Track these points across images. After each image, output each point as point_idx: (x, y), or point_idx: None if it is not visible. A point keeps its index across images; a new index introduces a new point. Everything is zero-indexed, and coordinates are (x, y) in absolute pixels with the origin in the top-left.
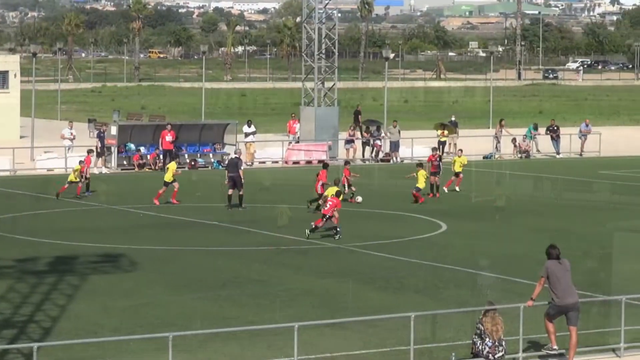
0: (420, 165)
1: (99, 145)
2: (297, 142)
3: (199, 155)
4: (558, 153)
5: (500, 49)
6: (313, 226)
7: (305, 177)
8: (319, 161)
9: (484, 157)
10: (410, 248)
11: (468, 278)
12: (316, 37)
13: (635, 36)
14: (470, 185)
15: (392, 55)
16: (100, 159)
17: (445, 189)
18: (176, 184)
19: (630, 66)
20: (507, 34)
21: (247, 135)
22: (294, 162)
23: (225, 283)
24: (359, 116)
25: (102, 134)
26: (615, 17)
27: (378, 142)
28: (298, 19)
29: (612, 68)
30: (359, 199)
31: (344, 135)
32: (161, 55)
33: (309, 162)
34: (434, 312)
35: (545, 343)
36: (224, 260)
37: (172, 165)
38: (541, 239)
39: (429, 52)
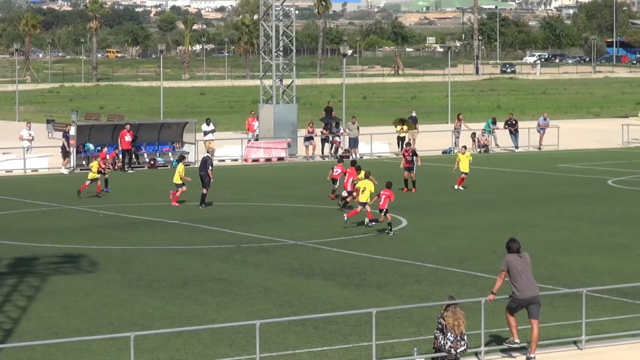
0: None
1: (65, 145)
2: (256, 139)
3: (158, 154)
4: (517, 147)
5: (457, 44)
6: (368, 221)
7: (264, 174)
8: (279, 158)
9: (443, 152)
10: (371, 244)
11: (429, 273)
12: (274, 34)
13: (592, 29)
14: (430, 180)
15: (349, 52)
16: (66, 159)
17: (458, 187)
18: (184, 187)
19: (587, 59)
20: (464, 28)
21: (206, 133)
22: (254, 160)
23: (187, 282)
24: (332, 112)
25: (67, 134)
26: (571, 11)
27: (337, 138)
28: (255, 17)
29: (569, 62)
30: (345, 193)
31: (303, 132)
32: (119, 55)
33: (268, 159)
34: (395, 308)
35: (507, 337)
36: (184, 259)
37: (180, 167)
38: (501, 233)
39: (386, 48)
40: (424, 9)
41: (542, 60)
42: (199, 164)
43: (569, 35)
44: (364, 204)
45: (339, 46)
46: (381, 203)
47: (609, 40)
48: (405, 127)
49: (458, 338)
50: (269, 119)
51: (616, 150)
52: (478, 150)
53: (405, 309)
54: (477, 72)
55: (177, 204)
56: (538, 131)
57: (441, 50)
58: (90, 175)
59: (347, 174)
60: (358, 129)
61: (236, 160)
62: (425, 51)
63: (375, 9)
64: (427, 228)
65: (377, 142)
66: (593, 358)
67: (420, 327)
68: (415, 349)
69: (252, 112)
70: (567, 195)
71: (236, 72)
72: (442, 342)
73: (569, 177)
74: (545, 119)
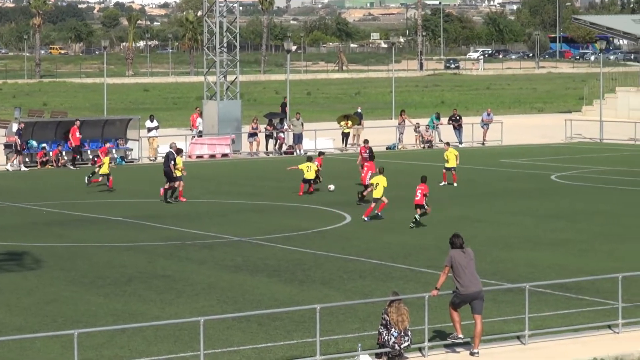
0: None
1: (18, 142)
2: (200, 136)
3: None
4: (460, 142)
5: (401, 39)
6: (417, 217)
7: (208, 171)
8: (223, 155)
9: (387, 148)
10: (316, 240)
11: (373, 269)
12: (217, 30)
13: (535, 25)
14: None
15: (294, 48)
16: (16, 155)
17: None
18: (181, 182)
19: (531, 55)
20: (408, 24)
21: (149, 130)
22: (198, 157)
23: (130, 279)
24: (286, 108)
25: (20, 131)
26: (515, 7)
27: (281, 134)
28: (199, 13)
29: (513, 57)
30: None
31: (247, 129)
32: (62, 51)
33: (212, 156)
34: (339, 304)
35: (451, 332)
36: (128, 256)
37: (178, 160)
38: (445, 229)
39: (330, 44)
40: (368, 5)
41: (486, 55)
42: (163, 160)
43: (512, 31)
44: (377, 200)
45: (283, 42)
46: (418, 198)
47: (552, 35)
48: (349, 123)
49: (402, 334)
50: (213, 116)
51: (559, 145)
52: (422, 145)
53: (349, 305)
54: (421, 68)
55: (183, 199)
56: (482, 127)
57: (385, 46)
58: (102, 171)
59: (365, 168)
60: (302, 125)
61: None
62: (370, 47)
63: (320, 5)
64: (370, 224)
65: (321, 138)
66: (536, 353)
67: (364, 323)
68: (360, 344)
69: (197, 109)
70: (510, 190)
71: (180, 68)
72: (386, 337)
73: (512, 173)
74: (488, 115)
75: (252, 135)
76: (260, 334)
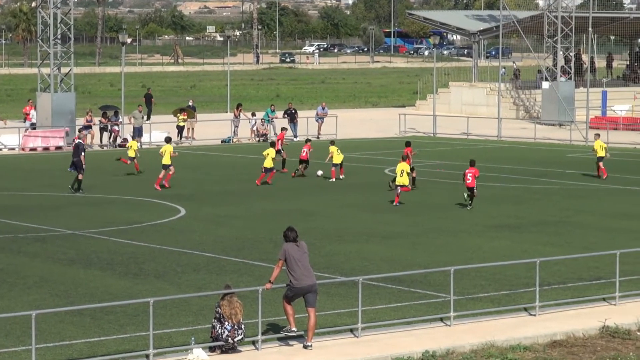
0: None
1: None
2: (34, 128)
3: None
4: (295, 136)
5: (237, 33)
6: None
7: (41, 164)
8: (57, 147)
9: (222, 142)
10: (150, 233)
11: (207, 262)
12: (51, 22)
13: (370, 20)
14: (209, 170)
15: (129, 40)
16: None
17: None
18: (172, 168)
19: (366, 49)
20: (244, 18)
21: None
22: (31, 149)
23: None
24: (152, 99)
25: None
26: (350, 1)
27: (116, 127)
28: (33, 4)
29: (348, 51)
30: (319, 172)
31: (81, 121)
32: None
33: (46, 148)
34: (173, 297)
35: (284, 325)
36: None
37: (169, 148)
38: (279, 222)
39: (166, 36)
40: None
41: (321, 50)
42: (73, 150)
43: (347, 26)
44: (401, 186)
45: (118, 34)
46: (469, 181)
47: (387, 30)
48: (186, 115)
49: (235, 327)
50: (46, 108)
51: (393, 139)
52: (257, 139)
53: (183, 298)
54: (257, 62)
55: (167, 186)
56: (317, 120)
57: (221, 39)
58: (130, 153)
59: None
60: (142, 117)
61: (13, 149)
62: (205, 40)
63: None
64: (205, 217)
65: (156, 132)
66: (369, 345)
67: (197, 317)
68: (193, 338)
69: (30, 101)
70: (344, 183)
71: (14, 59)
72: (219, 331)
73: (346, 166)
74: (323, 109)
75: (86, 127)
76: (93, 327)
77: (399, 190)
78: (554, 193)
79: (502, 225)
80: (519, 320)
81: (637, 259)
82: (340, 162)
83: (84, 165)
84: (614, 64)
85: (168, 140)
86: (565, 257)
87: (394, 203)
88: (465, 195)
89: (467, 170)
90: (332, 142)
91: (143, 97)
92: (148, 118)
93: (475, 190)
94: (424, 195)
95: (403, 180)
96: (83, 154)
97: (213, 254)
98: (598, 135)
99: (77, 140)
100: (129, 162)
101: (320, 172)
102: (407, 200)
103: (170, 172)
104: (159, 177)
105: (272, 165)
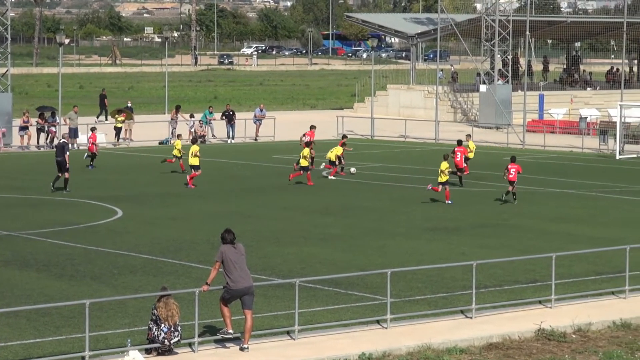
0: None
1: None
2: None
3: None
4: (233, 138)
5: (175, 34)
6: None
7: None
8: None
9: (159, 143)
10: (86, 235)
11: (144, 264)
12: None
13: (309, 22)
14: (146, 171)
15: (66, 41)
16: None
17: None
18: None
19: (304, 51)
20: (182, 19)
21: None
22: None
23: None
24: (105, 100)
25: None
26: (289, 3)
27: (53, 128)
28: None
29: (286, 53)
30: (353, 170)
31: (18, 122)
32: None
33: None
34: (109, 299)
35: (221, 327)
36: None
37: (195, 148)
38: (217, 224)
39: (104, 37)
40: None
41: (259, 51)
42: (56, 149)
43: (286, 28)
44: (444, 184)
45: (56, 35)
46: (512, 176)
47: (326, 32)
48: (124, 116)
49: (172, 329)
50: None
51: (331, 141)
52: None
53: (119, 300)
54: (195, 63)
55: (192, 187)
56: (254, 122)
57: (159, 40)
58: (175, 153)
59: (459, 153)
60: (77, 118)
61: None
62: (143, 41)
63: None
64: (142, 219)
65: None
66: (305, 348)
67: (134, 319)
68: (129, 340)
69: None
70: (282, 186)
71: None
72: (156, 333)
73: (284, 168)
74: (261, 110)
75: (23, 128)
76: (28, 329)
77: (441, 188)
78: (491, 196)
79: (439, 228)
80: (455, 322)
81: (572, 262)
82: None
83: (67, 165)
84: (551, 67)
85: (194, 141)
86: (502, 260)
87: (447, 201)
88: (504, 195)
89: (509, 166)
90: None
91: (99, 97)
92: (106, 119)
93: (515, 185)
94: (360, 198)
95: (444, 178)
96: (67, 153)
97: (150, 256)
98: (469, 136)
99: (61, 141)
100: (174, 160)
101: (353, 170)
102: (343, 203)
103: (198, 173)
104: (191, 175)
105: (307, 164)
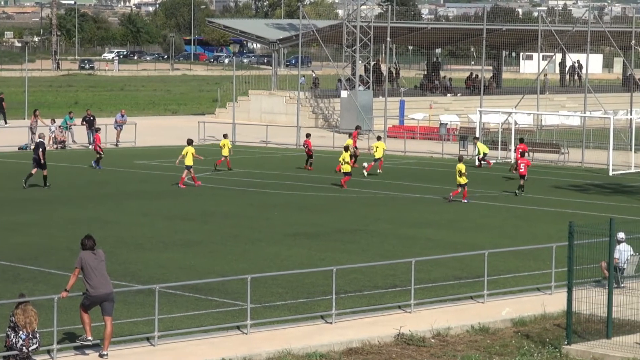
0: None
1: None
2: None
3: None
4: (91, 143)
5: (36, 39)
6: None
7: None
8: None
9: (19, 148)
10: None
11: (2, 271)
12: None
13: (171, 27)
14: (6, 176)
15: None
16: None
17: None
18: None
19: (166, 57)
20: (43, 24)
21: None
22: None
23: None
24: (3, 103)
25: None
26: (151, 8)
27: None
28: None
29: (148, 58)
30: (366, 164)
31: None
32: None
33: None
34: None
35: (81, 334)
36: None
37: (190, 149)
38: (77, 230)
39: None
40: (2, 3)
41: (121, 57)
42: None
43: (148, 33)
44: (463, 186)
45: None
46: (522, 170)
47: (188, 38)
48: None
49: (30, 336)
50: None
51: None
52: (55, 146)
53: None
54: (56, 68)
55: (183, 186)
56: (115, 128)
57: (19, 45)
58: (224, 152)
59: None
60: None
61: None
62: (3, 46)
63: None
64: (4, 225)
65: None
66: (165, 354)
67: None
68: None
69: None
70: (143, 191)
71: None
72: (13, 340)
73: (145, 174)
74: (122, 116)
75: None
76: None
77: (459, 190)
78: (352, 201)
79: (300, 233)
80: (315, 328)
81: (432, 267)
82: (381, 156)
83: (42, 161)
84: (412, 73)
85: (190, 142)
86: (361, 265)
87: (463, 200)
88: (518, 191)
89: (519, 161)
90: (379, 138)
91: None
92: (5, 122)
93: (525, 179)
94: (222, 204)
95: (463, 180)
96: (41, 149)
97: (8, 262)
98: (380, 137)
99: (38, 140)
100: (222, 159)
101: (366, 164)
102: (204, 208)
103: (192, 173)
104: (182, 177)
105: (349, 170)
